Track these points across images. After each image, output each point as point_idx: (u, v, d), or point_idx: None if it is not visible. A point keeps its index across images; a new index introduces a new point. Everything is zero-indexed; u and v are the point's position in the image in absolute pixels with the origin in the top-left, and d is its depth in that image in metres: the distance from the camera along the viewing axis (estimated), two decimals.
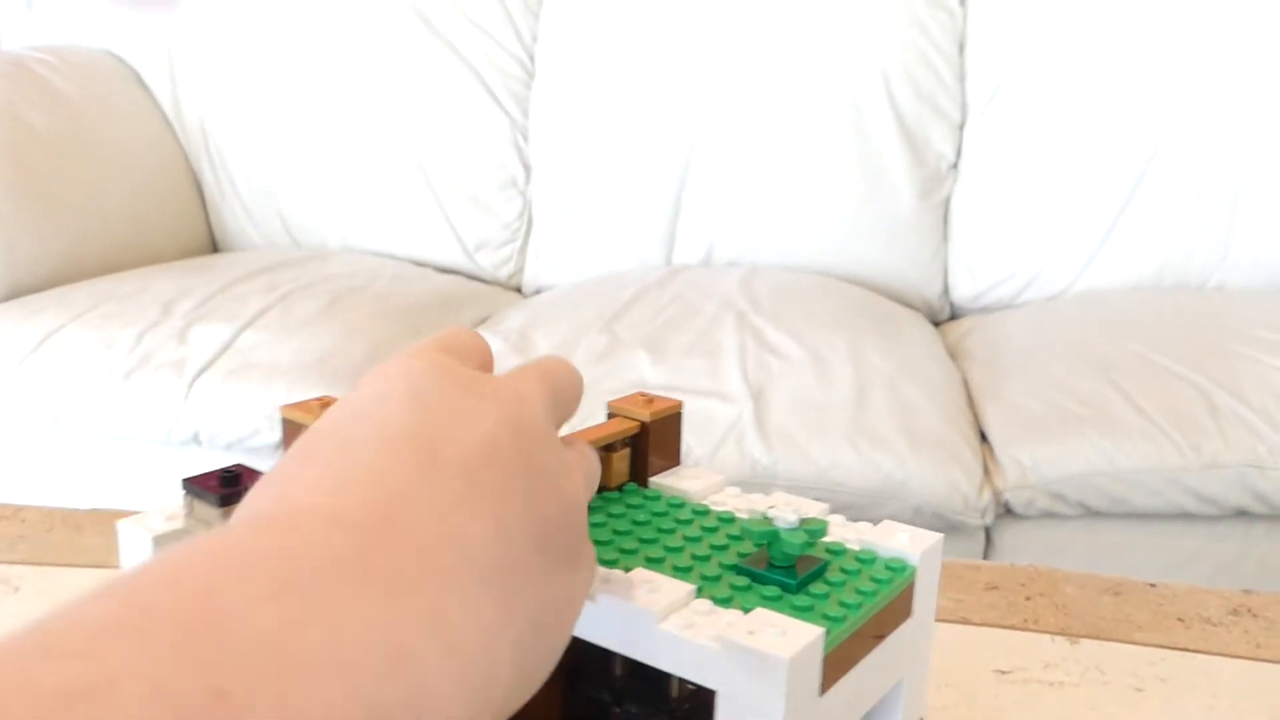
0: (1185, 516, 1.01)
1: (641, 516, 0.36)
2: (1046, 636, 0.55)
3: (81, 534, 0.61)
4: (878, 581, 0.32)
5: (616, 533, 0.35)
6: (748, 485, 1.00)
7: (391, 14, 1.58)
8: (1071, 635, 0.55)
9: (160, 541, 0.33)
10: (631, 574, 0.31)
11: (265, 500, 0.23)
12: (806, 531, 0.32)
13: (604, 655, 0.31)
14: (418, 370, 0.26)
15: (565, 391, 0.30)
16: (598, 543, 0.34)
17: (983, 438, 1.07)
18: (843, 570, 0.32)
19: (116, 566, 0.38)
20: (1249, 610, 0.58)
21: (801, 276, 1.40)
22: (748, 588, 0.31)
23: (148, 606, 0.16)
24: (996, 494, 1.01)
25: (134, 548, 0.33)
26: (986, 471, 1.02)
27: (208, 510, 0.32)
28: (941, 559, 0.35)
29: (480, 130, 1.57)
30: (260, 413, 1.10)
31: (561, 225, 1.56)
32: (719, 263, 1.51)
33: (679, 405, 0.39)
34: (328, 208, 1.61)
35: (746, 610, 0.29)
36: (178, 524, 0.33)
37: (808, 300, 1.28)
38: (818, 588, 0.31)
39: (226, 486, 0.32)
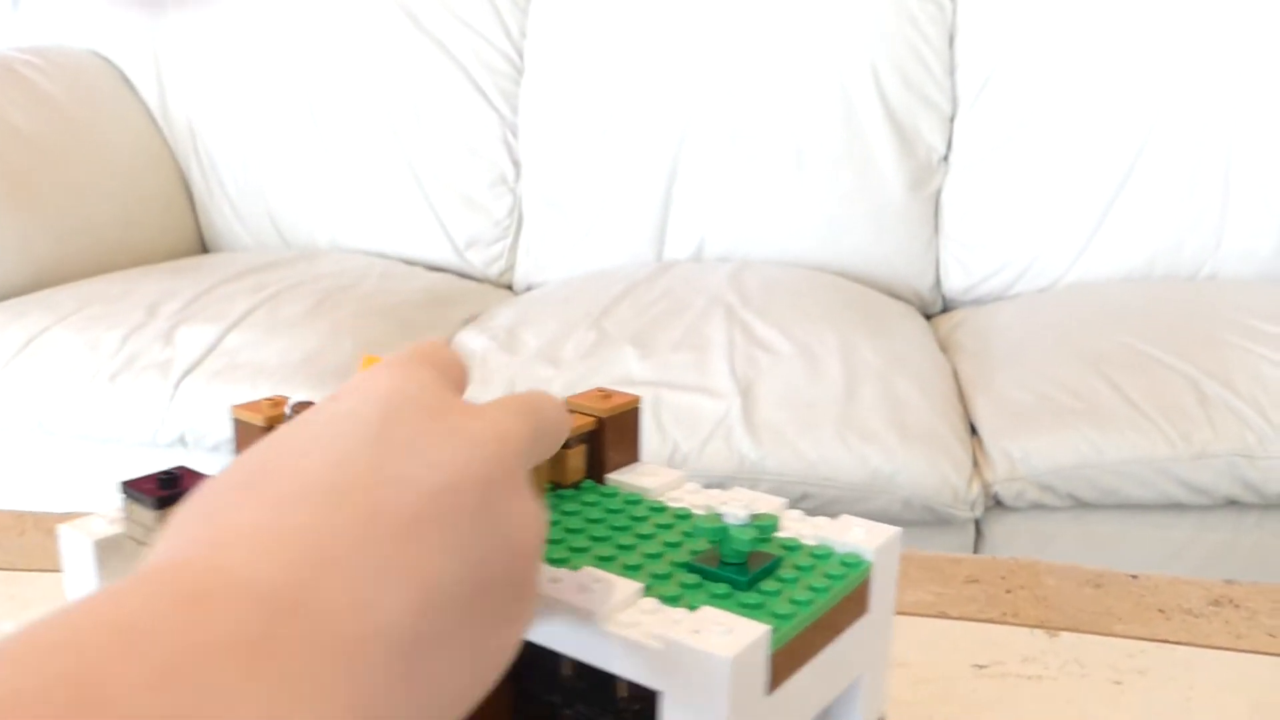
0: (1175, 507, 1.00)
1: (596, 514, 0.35)
2: (1026, 630, 0.54)
3: (53, 538, 0.61)
4: (831, 578, 0.31)
5: (569, 530, 0.34)
6: (736, 480, 1.00)
7: (379, 12, 1.57)
8: (1051, 628, 0.55)
9: (102, 546, 0.32)
10: (579, 573, 0.30)
11: (185, 540, 0.21)
12: (757, 528, 0.31)
13: (553, 656, 0.31)
14: (394, 392, 0.25)
15: (549, 432, 0.29)
16: (549, 541, 0.33)
17: (973, 430, 1.07)
18: (796, 567, 0.32)
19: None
20: (1230, 601, 0.58)
21: (791, 271, 1.40)
22: (697, 585, 0.30)
23: (36, 680, 0.16)
24: (986, 486, 1.00)
25: (75, 553, 0.33)
26: (976, 464, 1.01)
27: (144, 514, 0.32)
28: (900, 552, 0.34)
29: (469, 127, 1.57)
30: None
31: (552, 222, 1.56)
32: (710, 258, 1.50)
33: (637, 400, 0.38)
34: (317, 207, 1.61)
35: (693, 608, 0.29)
36: (120, 528, 0.33)
37: (797, 294, 1.27)
38: (769, 585, 0.30)
39: (165, 489, 0.32)
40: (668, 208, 1.50)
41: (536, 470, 0.35)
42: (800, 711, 0.30)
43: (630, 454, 0.38)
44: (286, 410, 0.36)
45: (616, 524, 0.34)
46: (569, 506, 0.36)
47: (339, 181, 1.59)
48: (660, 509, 0.36)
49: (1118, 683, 0.50)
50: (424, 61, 1.56)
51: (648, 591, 0.30)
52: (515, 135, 1.57)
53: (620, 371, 1.07)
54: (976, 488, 0.99)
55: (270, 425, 0.37)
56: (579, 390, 1.12)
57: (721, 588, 0.30)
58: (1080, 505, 1.01)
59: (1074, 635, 0.54)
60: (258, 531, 0.21)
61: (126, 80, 1.63)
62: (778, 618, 0.29)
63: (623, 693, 0.31)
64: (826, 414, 1.01)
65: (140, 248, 1.53)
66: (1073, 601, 0.57)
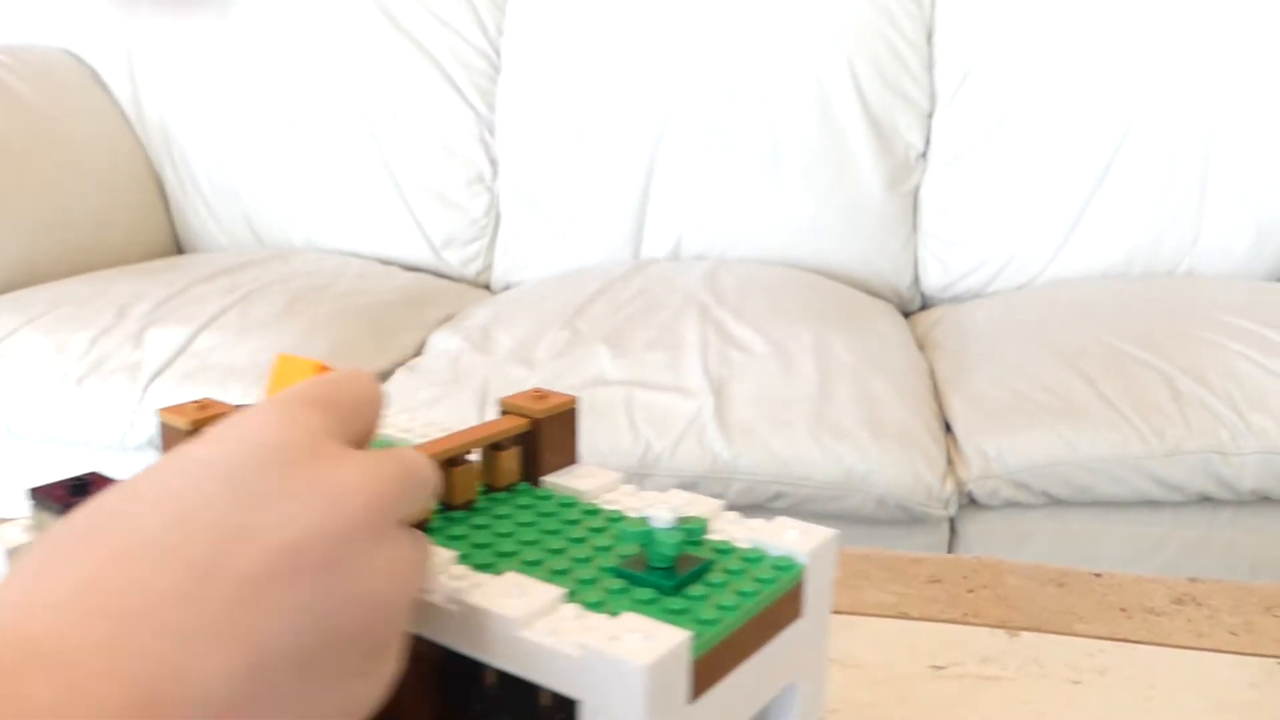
0: (1150, 504, 1.00)
1: (527, 517, 0.34)
2: (986, 630, 0.54)
3: None
4: (761, 582, 0.30)
5: (498, 535, 0.33)
6: (709, 480, 0.99)
7: (355, 9, 1.56)
8: (1012, 628, 0.54)
9: (15, 554, 0.32)
10: (502, 578, 0.30)
11: (3, 604, 0.21)
12: (683, 531, 0.31)
13: (476, 664, 0.30)
14: (257, 441, 0.24)
15: (419, 486, 0.28)
16: (477, 546, 0.33)
17: (948, 428, 1.06)
18: (726, 570, 0.31)
19: None
20: (1193, 599, 0.57)
21: (768, 269, 1.39)
22: (623, 591, 0.30)
23: None
24: (960, 484, 1.00)
25: None
26: (950, 462, 1.01)
27: (51, 522, 0.31)
28: (835, 554, 0.33)
29: (446, 126, 1.56)
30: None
31: (529, 221, 1.55)
32: (687, 255, 1.50)
33: (573, 401, 0.37)
34: (292, 206, 1.60)
35: (615, 614, 0.28)
36: (31, 536, 0.32)
37: (773, 293, 1.27)
38: (696, 589, 0.30)
39: (74, 496, 0.31)
40: (645, 206, 1.50)
41: (466, 473, 0.35)
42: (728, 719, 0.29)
43: (567, 456, 0.38)
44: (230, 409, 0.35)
45: (547, 528, 0.34)
46: (501, 510, 0.35)
47: (315, 180, 1.58)
48: (594, 512, 0.35)
49: (1076, 682, 0.49)
50: (400, 59, 1.55)
51: (571, 597, 0.29)
52: (492, 134, 1.56)
53: (593, 371, 1.06)
54: (950, 486, 0.98)
55: (195, 429, 0.36)
56: (551, 390, 1.11)
57: (647, 593, 0.29)
58: (1055, 503, 1.00)
59: (1035, 635, 0.53)
60: (75, 594, 0.20)
61: (98, 79, 1.61)
62: (701, 623, 0.28)
63: (546, 701, 0.30)
64: (800, 413, 1.00)
65: (113, 248, 1.52)
66: (1035, 601, 0.57)
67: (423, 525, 0.34)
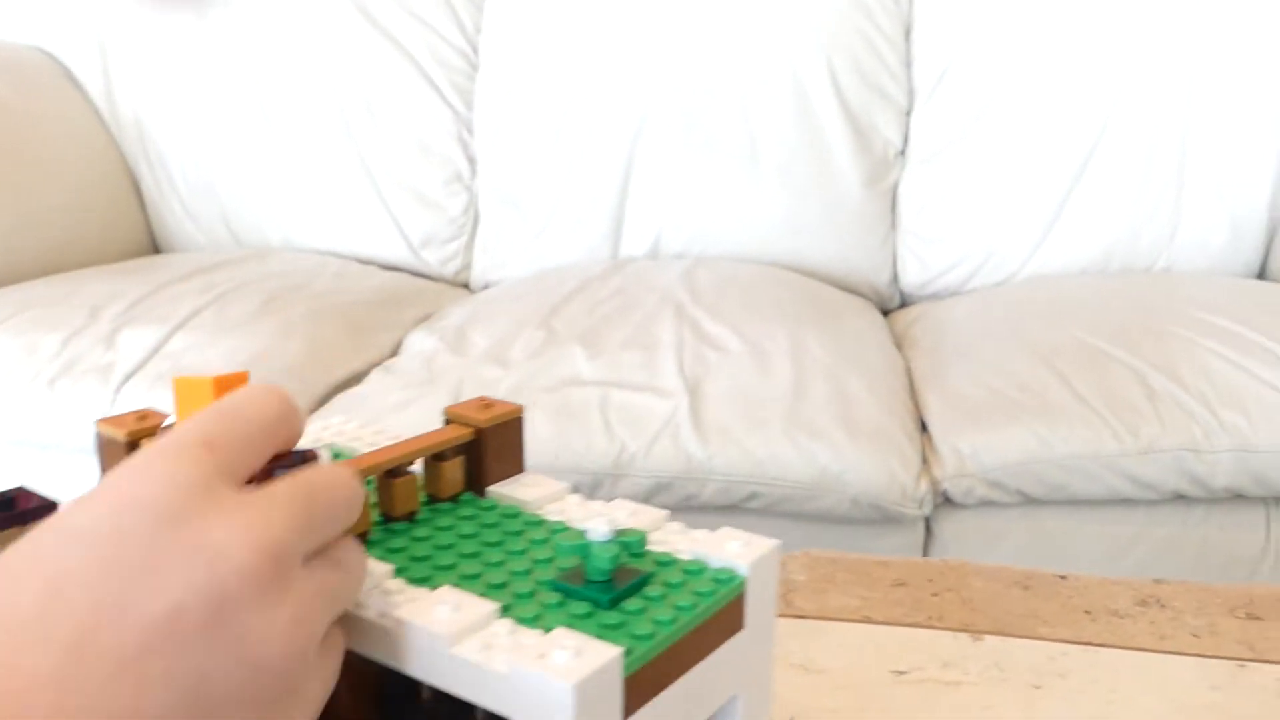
0: (1124, 502, 1.00)
1: (469, 529, 0.34)
2: (949, 634, 0.54)
3: None
4: (699, 595, 0.30)
5: (438, 547, 0.33)
6: (684, 480, 0.98)
7: (331, 7, 1.55)
8: (975, 631, 0.54)
9: None
10: (436, 593, 0.29)
11: None
12: (620, 544, 0.30)
13: (412, 679, 0.29)
14: (133, 503, 0.24)
15: (330, 517, 0.27)
16: (416, 559, 0.32)
17: (924, 427, 1.06)
18: (665, 583, 0.30)
19: None
20: (1158, 601, 0.57)
21: (746, 267, 1.39)
22: (559, 605, 0.29)
23: None
24: (935, 483, 0.99)
25: None
26: (926, 461, 1.01)
27: None
28: (778, 564, 0.33)
29: (424, 124, 1.55)
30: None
31: (508, 219, 1.54)
32: (666, 254, 1.49)
33: (519, 410, 0.37)
34: (270, 205, 1.59)
35: (549, 630, 0.28)
36: None
37: (750, 291, 1.26)
38: (633, 603, 0.29)
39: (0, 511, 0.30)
40: (623, 204, 1.49)
41: (407, 484, 0.34)
42: None
43: (513, 465, 0.37)
44: (161, 427, 0.34)
45: (488, 540, 0.33)
46: (443, 521, 0.34)
47: (292, 179, 1.57)
48: (537, 523, 0.34)
49: (1037, 687, 0.49)
50: (378, 58, 1.54)
51: (506, 612, 0.29)
52: (471, 132, 1.55)
53: (568, 371, 1.06)
54: (925, 485, 0.98)
55: (134, 441, 0.36)
56: (526, 391, 1.10)
57: (583, 607, 0.29)
58: (1029, 501, 1.00)
59: (998, 639, 0.53)
60: None
61: (72, 77, 1.60)
62: (635, 638, 0.28)
63: (481, 717, 0.30)
64: (775, 412, 1.00)
65: (89, 248, 1.51)
66: (999, 604, 0.56)
67: (363, 537, 0.33)
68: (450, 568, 0.32)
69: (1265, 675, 0.49)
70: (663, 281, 1.29)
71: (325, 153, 1.55)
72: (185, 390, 0.31)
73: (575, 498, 0.36)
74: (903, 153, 1.49)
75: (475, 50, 1.57)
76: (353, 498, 0.28)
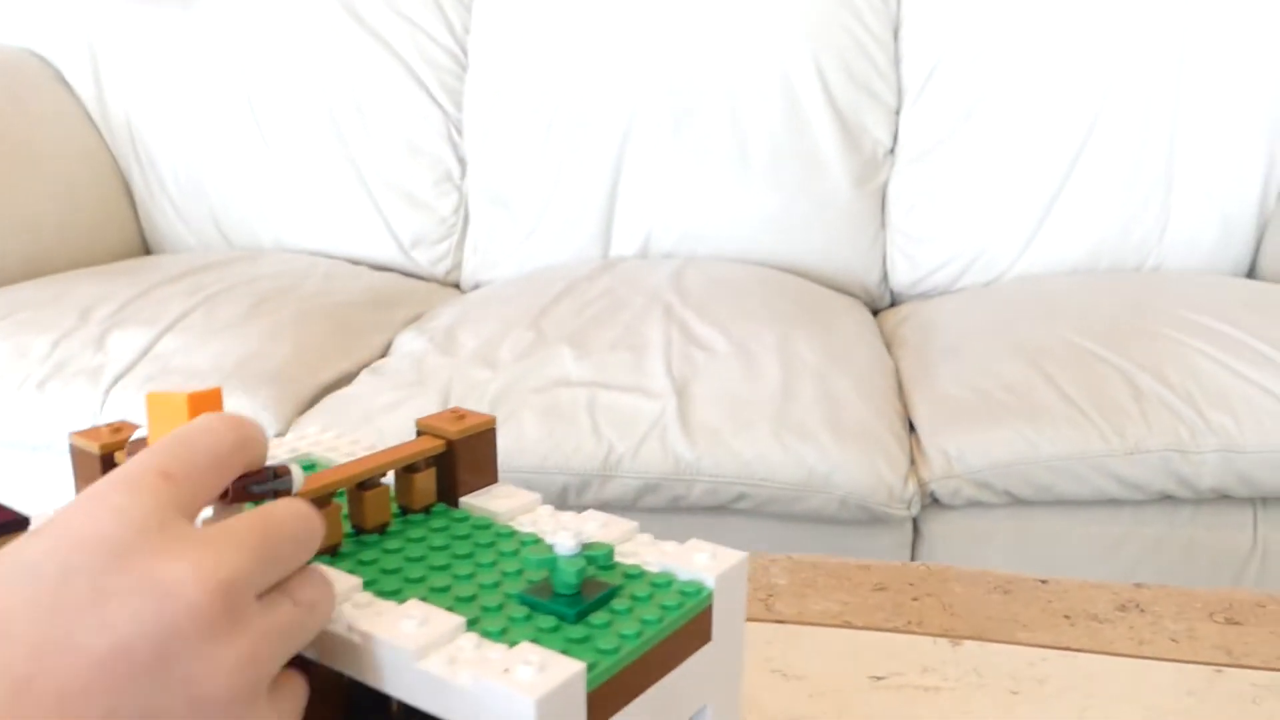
0: (1111, 503, 1.00)
1: (439, 541, 0.34)
2: (929, 639, 0.54)
3: None
4: (666, 608, 0.30)
5: (408, 559, 0.33)
6: (672, 482, 0.99)
7: (320, 7, 1.55)
8: (954, 637, 0.54)
9: None
10: (404, 606, 0.29)
11: None
12: (587, 558, 0.30)
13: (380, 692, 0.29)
14: (84, 539, 0.24)
15: (286, 553, 0.27)
16: (386, 571, 0.32)
17: (912, 427, 1.06)
18: (632, 596, 0.31)
19: None
20: (1137, 605, 0.57)
21: (735, 267, 1.39)
22: (526, 618, 0.29)
23: None
24: (922, 484, 1.00)
25: None
26: (913, 462, 1.01)
27: None
28: (745, 576, 0.33)
29: (413, 124, 1.55)
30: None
31: (498, 220, 1.54)
32: (656, 254, 1.49)
33: (491, 421, 0.37)
34: (260, 206, 1.58)
35: (515, 644, 0.28)
36: None
37: (739, 292, 1.27)
38: (599, 617, 0.29)
39: None
40: (613, 204, 1.49)
41: (378, 496, 0.34)
42: None
43: (486, 476, 0.37)
44: (129, 440, 0.34)
45: (459, 552, 0.33)
46: (414, 533, 0.35)
47: (282, 180, 1.57)
48: (508, 534, 0.35)
49: (1015, 693, 0.50)
50: (367, 58, 1.54)
51: (473, 625, 0.29)
52: (460, 132, 1.55)
53: (556, 372, 1.06)
54: (913, 486, 0.98)
55: (107, 454, 0.36)
56: (515, 392, 1.10)
57: (549, 621, 0.29)
58: (1017, 502, 1.01)
59: (977, 644, 0.53)
60: None
61: (62, 79, 1.60)
62: (600, 653, 0.28)
63: None
64: (762, 413, 1.00)
65: (80, 250, 1.50)
66: (979, 609, 0.57)
67: (334, 549, 0.33)
68: (420, 580, 0.32)
69: (1240, 681, 0.50)
70: (651, 282, 1.29)
71: (315, 153, 1.55)
72: (158, 406, 0.31)
73: (547, 509, 0.36)
74: (892, 152, 1.49)
75: (464, 50, 1.57)
76: (310, 533, 0.28)
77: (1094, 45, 1.41)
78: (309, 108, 1.55)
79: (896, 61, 1.48)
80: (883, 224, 1.49)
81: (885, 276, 1.49)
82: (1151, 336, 1.09)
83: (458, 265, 1.57)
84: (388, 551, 0.33)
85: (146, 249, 1.66)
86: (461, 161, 1.56)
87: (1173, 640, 0.54)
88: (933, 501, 1.01)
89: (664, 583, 0.31)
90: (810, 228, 1.46)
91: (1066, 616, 0.56)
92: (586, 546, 0.31)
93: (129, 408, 1.09)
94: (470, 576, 0.32)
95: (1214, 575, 1.01)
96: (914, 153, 1.47)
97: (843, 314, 1.31)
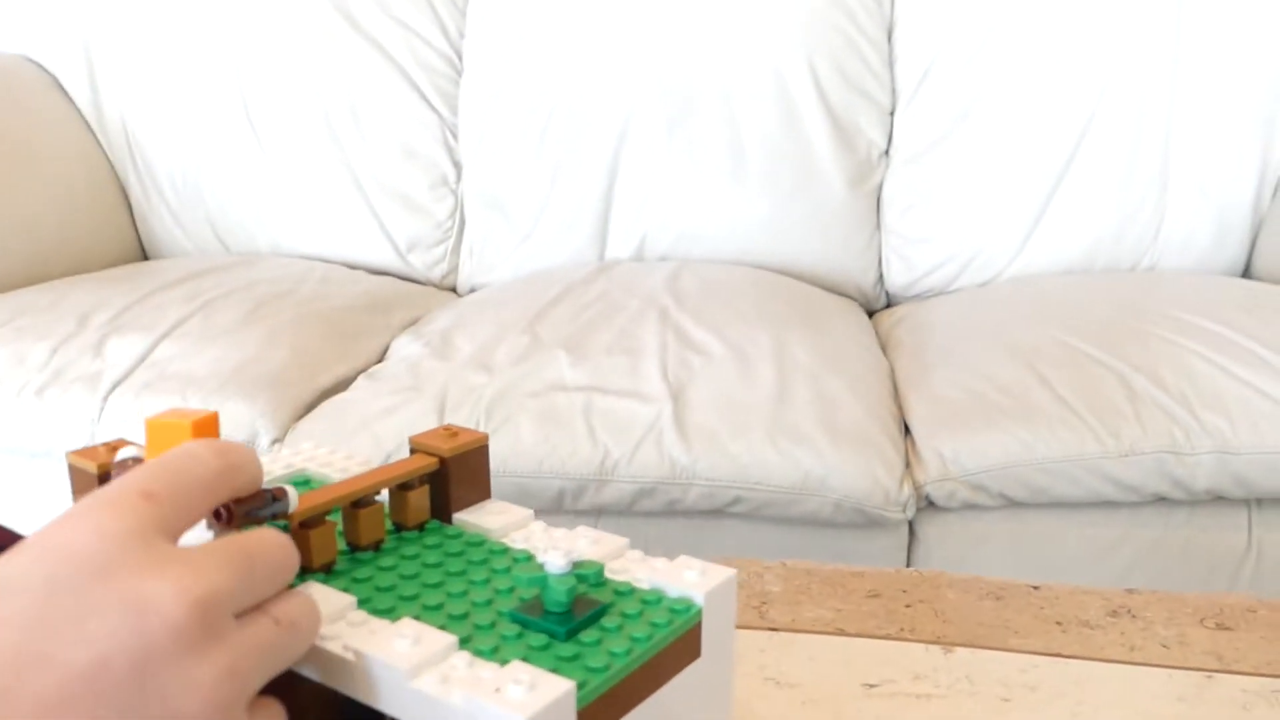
0: (1107, 504, 1.01)
1: (433, 558, 0.34)
2: (921, 646, 0.54)
3: None
4: (655, 625, 0.30)
5: (402, 577, 0.33)
6: (668, 485, 0.99)
7: (315, 12, 1.55)
8: (947, 643, 0.54)
9: None
10: (397, 624, 0.30)
11: None
12: (577, 576, 0.31)
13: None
14: (67, 554, 0.24)
15: (265, 577, 0.27)
16: (380, 589, 0.33)
17: (908, 430, 1.06)
18: (623, 614, 0.31)
19: None
20: (1128, 611, 0.58)
21: (731, 270, 1.39)
22: (517, 636, 0.30)
23: None
24: (917, 487, 1.00)
25: None
26: (908, 464, 1.01)
27: None
28: (735, 592, 0.33)
29: (409, 129, 1.55)
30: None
31: (494, 223, 1.55)
32: (652, 256, 1.50)
33: (484, 439, 0.37)
34: (257, 211, 1.59)
35: (506, 662, 0.28)
36: None
37: (734, 295, 1.27)
38: (590, 634, 0.30)
39: None
40: (609, 207, 1.50)
41: (373, 514, 0.35)
42: None
43: (480, 492, 0.38)
44: (117, 458, 0.35)
45: (452, 569, 0.34)
46: (409, 550, 0.35)
47: (278, 185, 1.57)
48: (501, 551, 0.35)
49: (1006, 699, 0.50)
50: (362, 63, 1.54)
51: (465, 644, 0.30)
52: (455, 137, 1.56)
53: (552, 376, 1.06)
54: (908, 489, 0.99)
55: (104, 473, 0.36)
56: (511, 397, 1.10)
57: (540, 639, 0.30)
58: (1012, 505, 1.01)
59: (969, 651, 0.54)
60: None
61: (59, 85, 1.60)
62: (590, 670, 0.28)
63: None
64: (758, 417, 1.01)
65: (78, 256, 1.51)
66: (971, 615, 0.57)
67: (329, 567, 0.34)
68: (413, 598, 0.32)
69: (1231, 686, 0.50)
70: (646, 286, 1.30)
71: (311, 158, 1.56)
72: (158, 434, 0.31)
73: (539, 524, 0.37)
74: (886, 153, 1.49)
75: (459, 55, 1.57)
76: (287, 561, 0.28)
77: (1088, 45, 1.41)
78: (305, 112, 1.55)
79: (890, 62, 1.49)
80: (878, 225, 1.49)
81: (880, 278, 1.50)
82: (1146, 338, 1.09)
83: (454, 269, 1.58)
84: (382, 569, 0.34)
85: (144, 254, 1.66)
86: (457, 165, 1.56)
87: (1164, 646, 0.54)
88: (928, 504, 1.01)
89: (654, 600, 0.32)
90: (805, 229, 1.46)
91: (1058, 623, 0.57)
92: (577, 564, 0.31)
93: (127, 414, 1.09)
94: (463, 594, 0.32)
95: (1210, 576, 1.01)
96: (908, 154, 1.47)
97: (838, 316, 1.31)
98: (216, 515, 0.29)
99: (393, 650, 0.28)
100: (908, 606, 0.58)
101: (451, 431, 0.37)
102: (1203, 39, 1.40)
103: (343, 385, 1.16)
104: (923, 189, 1.46)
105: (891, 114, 1.49)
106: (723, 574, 0.33)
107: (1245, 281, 1.34)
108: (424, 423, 1.02)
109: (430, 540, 0.36)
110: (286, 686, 0.29)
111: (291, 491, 0.31)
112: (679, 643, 0.31)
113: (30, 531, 0.35)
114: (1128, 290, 1.28)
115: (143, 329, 1.20)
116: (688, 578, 0.32)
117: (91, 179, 1.57)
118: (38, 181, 1.47)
